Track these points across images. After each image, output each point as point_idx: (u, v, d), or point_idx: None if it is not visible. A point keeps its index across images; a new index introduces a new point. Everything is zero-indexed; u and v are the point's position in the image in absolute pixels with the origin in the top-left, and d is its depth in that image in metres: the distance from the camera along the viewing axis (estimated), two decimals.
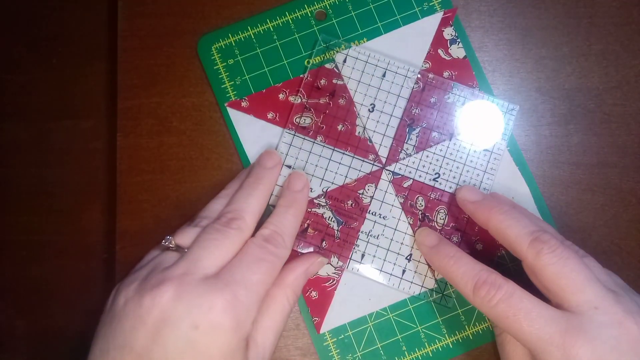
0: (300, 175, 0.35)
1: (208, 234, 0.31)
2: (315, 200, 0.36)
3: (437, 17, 0.37)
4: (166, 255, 0.31)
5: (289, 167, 0.36)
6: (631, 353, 0.27)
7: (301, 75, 0.37)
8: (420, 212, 0.36)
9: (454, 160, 0.36)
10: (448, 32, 0.37)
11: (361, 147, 0.36)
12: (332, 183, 0.36)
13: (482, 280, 0.30)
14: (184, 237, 0.32)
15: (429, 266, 0.35)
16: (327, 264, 0.35)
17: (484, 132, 0.36)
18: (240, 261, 0.31)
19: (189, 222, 0.35)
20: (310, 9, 0.37)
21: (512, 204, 0.34)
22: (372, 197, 0.36)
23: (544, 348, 0.28)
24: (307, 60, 0.37)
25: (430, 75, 0.36)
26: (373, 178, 0.36)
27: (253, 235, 0.32)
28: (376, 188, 0.36)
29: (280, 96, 0.37)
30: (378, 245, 0.35)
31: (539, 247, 0.29)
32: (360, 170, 0.36)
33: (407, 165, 0.36)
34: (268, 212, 0.34)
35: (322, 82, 0.36)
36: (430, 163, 0.36)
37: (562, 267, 0.29)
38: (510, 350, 0.32)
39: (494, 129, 0.36)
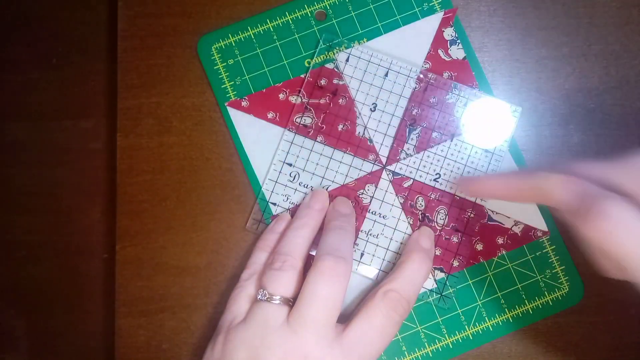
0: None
1: (316, 284, 0.30)
2: None
3: (437, 17, 0.37)
4: (269, 309, 0.30)
5: (290, 164, 0.36)
6: None
7: (301, 75, 0.37)
8: (420, 212, 0.36)
9: (455, 161, 0.36)
10: (448, 33, 0.37)
11: (362, 146, 0.36)
12: (333, 182, 0.36)
13: None
14: (277, 284, 0.31)
15: None
16: None
17: (486, 133, 0.36)
18: (366, 321, 0.30)
19: (256, 262, 0.33)
20: (310, 9, 0.37)
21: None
22: (372, 197, 0.36)
23: None
24: (307, 60, 0.37)
25: (431, 75, 0.36)
26: (373, 178, 0.36)
27: None
28: (376, 188, 0.36)
29: (281, 96, 0.37)
30: (377, 245, 0.35)
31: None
32: (360, 170, 0.36)
33: (407, 165, 0.36)
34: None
35: (323, 82, 0.36)
36: (431, 163, 0.36)
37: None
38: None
39: (496, 129, 0.36)
